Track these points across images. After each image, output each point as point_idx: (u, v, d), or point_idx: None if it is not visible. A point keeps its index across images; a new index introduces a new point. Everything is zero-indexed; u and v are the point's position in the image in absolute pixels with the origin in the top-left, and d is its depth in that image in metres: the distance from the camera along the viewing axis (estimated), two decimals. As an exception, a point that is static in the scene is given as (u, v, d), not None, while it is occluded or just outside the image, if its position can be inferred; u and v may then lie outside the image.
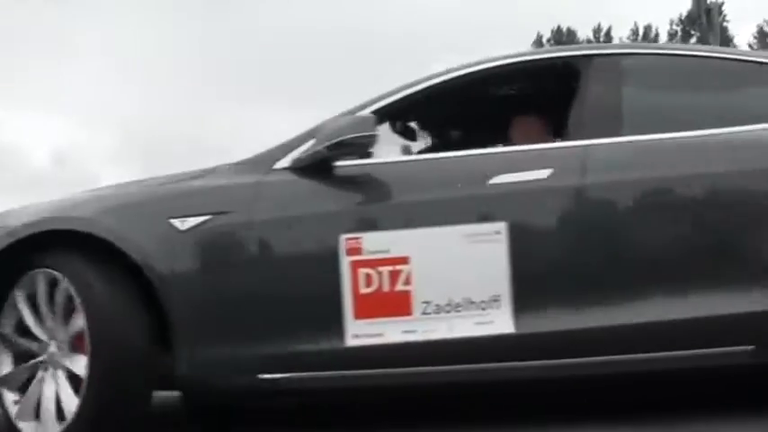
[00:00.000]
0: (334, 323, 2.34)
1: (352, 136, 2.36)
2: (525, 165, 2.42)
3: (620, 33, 40.00)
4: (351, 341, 2.34)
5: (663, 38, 38.02)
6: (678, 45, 3.33)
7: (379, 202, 2.47)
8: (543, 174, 2.38)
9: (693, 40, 36.55)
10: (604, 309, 2.30)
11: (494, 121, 3.03)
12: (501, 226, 2.33)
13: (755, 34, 36.99)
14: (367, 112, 2.55)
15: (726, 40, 30.89)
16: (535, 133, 2.79)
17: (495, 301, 2.31)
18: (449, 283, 2.33)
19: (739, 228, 2.37)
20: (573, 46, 2.90)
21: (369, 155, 2.59)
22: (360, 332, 2.34)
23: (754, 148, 2.43)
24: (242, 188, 2.49)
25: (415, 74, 2.67)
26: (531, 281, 2.32)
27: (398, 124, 3.14)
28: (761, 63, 2.73)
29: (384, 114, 2.63)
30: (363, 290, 2.34)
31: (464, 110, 3.12)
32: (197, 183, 2.57)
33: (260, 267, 2.42)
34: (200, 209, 2.44)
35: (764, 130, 2.47)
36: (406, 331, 2.33)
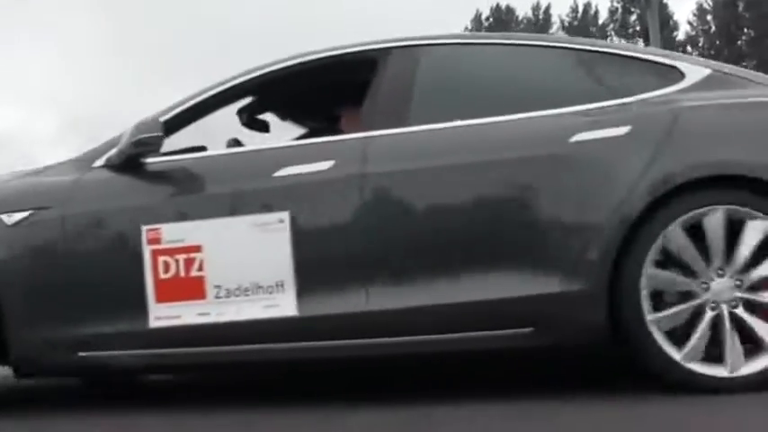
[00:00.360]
0: (139, 307, 2.54)
1: (141, 137, 2.53)
2: (309, 157, 2.54)
3: (559, 11, 38.68)
4: (153, 323, 2.54)
5: (603, 15, 36.55)
6: (475, 33, 3.28)
7: (177, 195, 2.63)
8: (325, 165, 2.50)
9: (633, 17, 35.07)
10: (387, 292, 2.42)
11: (319, 113, 3.14)
12: (284, 215, 2.47)
13: (695, 11, 35.32)
14: (178, 110, 2.73)
15: (665, 18, 29.36)
16: (357, 125, 2.86)
17: (280, 285, 2.46)
18: (238, 269, 2.49)
19: (516, 213, 2.42)
20: (378, 39, 2.84)
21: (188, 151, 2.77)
22: (161, 314, 2.53)
23: (526, 136, 2.49)
24: (61, 185, 2.70)
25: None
26: (313, 266, 2.46)
27: (244, 116, 3.26)
28: (549, 47, 2.79)
29: (196, 112, 2.79)
30: (163, 276, 2.53)
31: (288, 102, 3.23)
32: (27, 180, 2.79)
33: (74, 257, 2.62)
34: (24, 204, 2.66)
35: (541, 117, 2.53)
36: (201, 314, 2.51)
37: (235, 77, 2.79)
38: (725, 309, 2.28)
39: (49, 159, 2.69)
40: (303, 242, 2.46)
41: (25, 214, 2.65)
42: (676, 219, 2.30)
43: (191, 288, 2.52)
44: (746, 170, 2.32)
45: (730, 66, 2.85)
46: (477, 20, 37.84)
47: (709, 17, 34.55)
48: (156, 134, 2.54)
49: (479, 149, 2.49)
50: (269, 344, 2.49)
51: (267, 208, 2.49)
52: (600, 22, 36.58)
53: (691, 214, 2.30)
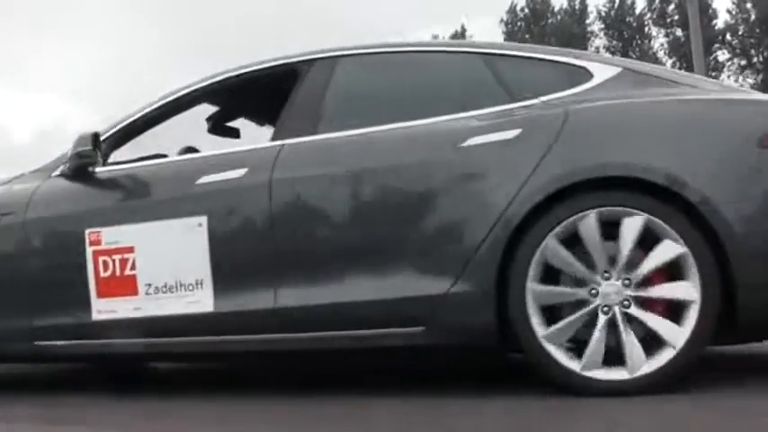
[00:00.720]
0: (84, 301, 2.89)
1: (78, 150, 2.89)
2: (227, 166, 2.84)
3: (596, 0, 37.92)
4: (96, 316, 2.89)
5: (640, 4, 35.88)
6: (386, 42, 3.30)
7: (116, 201, 2.97)
8: (240, 173, 2.79)
9: (671, 6, 34.15)
10: (293, 291, 2.68)
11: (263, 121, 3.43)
12: (202, 219, 2.78)
13: (734, 0, 33.95)
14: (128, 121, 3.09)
15: (704, 6, 28.57)
16: None
17: (200, 283, 2.77)
18: (165, 269, 2.81)
19: (410, 217, 2.60)
20: (302, 52, 3.08)
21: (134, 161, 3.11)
22: (102, 308, 2.88)
23: (423, 141, 2.67)
24: (23, 193, 3.07)
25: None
26: (227, 266, 2.76)
27: (210, 123, 3.58)
28: (456, 52, 2.96)
29: (140, 126, 3.13)
30: (102, 274, 2.88)
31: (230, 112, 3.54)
32: (7, 186, 3.17)
33: (31, 258, 3.00)
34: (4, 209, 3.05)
35: (439, 122, 2.68)
36: (135, 308, 2.84)
37: (171, 93, 3.11)
38: (617, 310, 2.34)
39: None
40: (219, 244, 2.75)
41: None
42: (550, 232, 2.38)
43: (125, 285, 2.86)
44: (621, 171, 2.37)
45: (647, 64, 2.87)
46: (512, 11, 37.77)
47: (749, 5, 33.83)
48: (88, 148, 2.89)
49: (378, 156, 2.68)
50: (191, 337, 2.82)
51: (189, 213, 2.79)
52: (637, 11, 36.06)
53: (564, 224, 2.37)
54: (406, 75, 2.98)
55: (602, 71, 2.70)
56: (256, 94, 3.26)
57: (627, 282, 2.37)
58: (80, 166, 2.98)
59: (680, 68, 34.11)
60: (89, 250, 2.89)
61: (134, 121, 3.13)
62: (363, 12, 48.16)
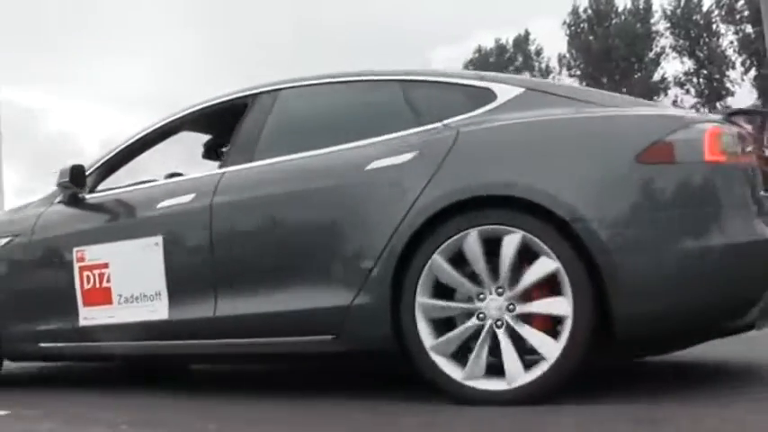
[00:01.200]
0: (74, 310, 3.34)
1: (59, 181, 3.35)
2: (181, 191, 3.18)
3: (662, 0, 34.44)
4: (82, 322, 3.33)
5: (707, 1, 32.12)
6: (319, 75, 3.39)
7: (97, 223, 3.40)
8: (188, 198, 3.13)
9: (741, 2, 30.26)
10: (228, 302, 2.98)
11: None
12: (159, 239, 3.14)
13: None
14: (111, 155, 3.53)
15: None
16: None
17: (158, 294, 3.13)
18: (132, 282, 3.20)
19: (322, 235, 2.81)
20: (254, 85, 3.34)
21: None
22: (87, 316, 3.32)
23: (335, 166, 2.87)
24: (30, 217, 3.60)
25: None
26: (178, 280, 3.10)
27: (203, 150, 3.97)
28: (370, 81, 3.11)
29: (121, 159, 3.57)
30: (86, 286, 3.32)
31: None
32: (14, 213, 3.72)
33: (33, 273, 3.51)
34: (6, 233, 3.61)
35: (351, 148, 2.87)
36: (110, 316, 3.26)
37: (146, 127, 3.53)
38: (500, 324, 2.45)
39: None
40: (172, 260, 3.10)
41: (6, 240, 3.59)
42: (436, 250, 2.50)
43: (103, 296, 3.27)
44: (501, 190, 2.47)
45: (552, 83, 2.90)
46: (574, 12, 36.87)
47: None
48: (66, 180, 3.37)
49: (297, 181, 2.93)
50: (152, 341, 3.19)
51: (149, 233, 3.17)
52: (704, 9, 33.33)
53: (449, 242, 2.49)
54: (333, 104, 3.20)
55: (505, 92, 2.78)
56: (219, 125, 3.59)
57: (508, 297, 2.45)
58: (72, 194, 3.45)
59: (750, 66, 31.09)
60: (76, 266, 3.34)
61: (116, 153, 3.57)
62: (427, 17, 48.43)
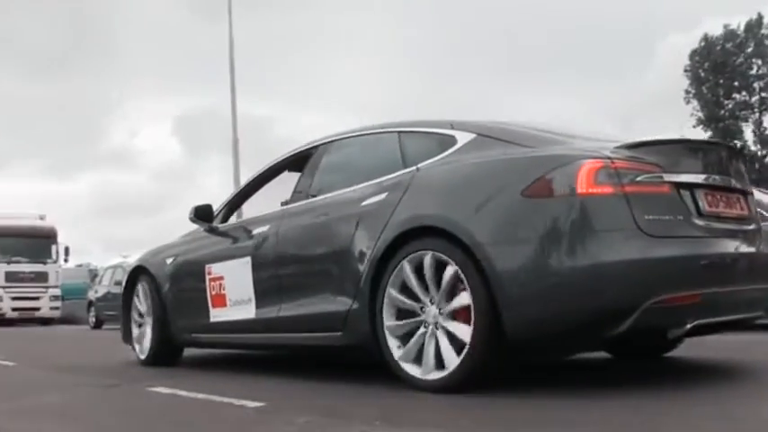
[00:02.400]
0: (207, 310, 4.61)
1: (189, 217, 4.63)
2: (265, 222, 4.26)
3: None
4: (213, 319, 4.58)
5: None
6: (354, 129, 3.76)
7: (219, 247, 4.62)
8: (267, 227, 4.20)
9: None
10: (284, 305, 3.98)
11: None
12: (248, 259, 4.25)
13: None
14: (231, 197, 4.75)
15: None
16: None
17: (250, 300, 4.25)
18: (237, 290, 4.36)
19: (331, 256, 3.68)
20: (314, 139, 4.28)
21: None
22: (216, 314, 4.56)
23: (343, 202, 3.73)
24: (188, 242, 4.96)
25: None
26: (261, 289, 4.17)
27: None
28: (374, 133, 3.93)
29: (241, 198, 4.76)
30: (213, 293, 4.56)
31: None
32: (183, 237, 5.12)
33: (186, 283, 4.84)
34: (172, 254, 5.02)
35: (356, 189, 3.71)
36: (226, 315, 4.45)
37: (258, 171, 4.70)
38: (431, 327, 3.13)
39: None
40: (256, 275, 4.19)
41: (172, 258, 4.99)
42: (403, 259, 3.24)
43: (221, 300, 4.49)
44: (435, 222, 3.12)
45: (502, 129, 3.36)
46: (757, 23, 32.23)
47: None
48: (192, 216, 4.65)
49: (320, 215, 3.85)
50: (246, 333, 4.31)
51: (243, 254, 4.31)
52: None
53: (412, 256, 3.20)
54: (352, 153, 4.11)
55: (462, 137, 3.42)
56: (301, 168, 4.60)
57: (441, 310, 3.12)
58: (209, 226, 4.75)
59: None
60: (207, 278, 4.61)
61: (238, 192, 4.78)
62: (656, 6, 43.87)
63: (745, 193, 3.38)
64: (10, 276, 21.64)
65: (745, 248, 3.20)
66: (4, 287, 21.56)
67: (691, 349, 4.18)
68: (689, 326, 2.87)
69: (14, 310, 21.59)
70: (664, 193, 2.92)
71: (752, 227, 3.33)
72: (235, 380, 4.18)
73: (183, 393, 3.51)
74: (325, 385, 3.62)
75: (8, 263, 21.70)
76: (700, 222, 2.98)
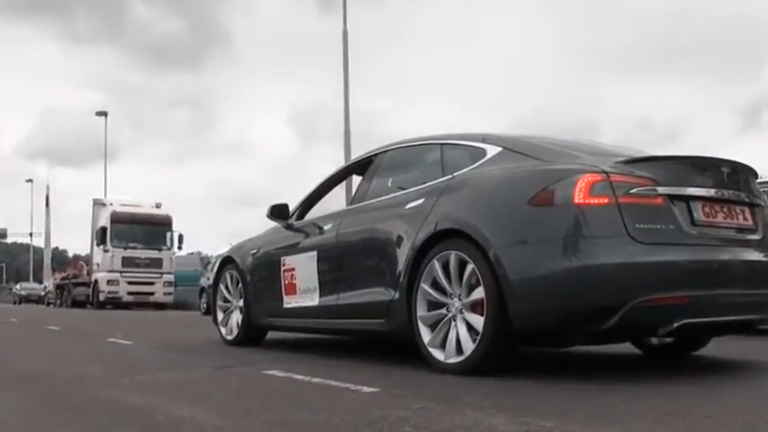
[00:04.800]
0: (280, 297, 5.27)
1: (267, 214, 5.29)
2: (328, 221, 4.86)
3: None
4: (285, 305, 5.23)
5: None
6: (401, 141, 4.02)
7: (292, 241, 5.25)
8: (330, 224, 4.80)
9: None
10: (338, 296, 4.58)
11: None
12: (314, 253, 4.86)
13: None
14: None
15: None
16: None
17: (315, 289, 4.86)
18: (305, 280, 4.98)
19: (379, 252, 4.21)
20: (376, 148, 4.78)
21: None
22: (288, 301, 5.21)
23: (390, 205, 4.28)
24: (268, 235, 5.64)
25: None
26: (324, 280, 4.77)
27: None
28: (421, 145, 4.45)
29: (314, 198, 5.38)
30: (285, 282, 5.22)
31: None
32: (265, 232, 5.79)
33: (265, 272, 5.51)
34: (255, 246, 5.72)
35: (401, 194, 4.25)
36: (296, 302, 5.09)
37: (329, 174, 5.31)
38: (454, 317, 3.61)
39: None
40: (321, 267, 4.80)
41: (255, 251, 5.69)
42: (434, 258, 3.74)
43: (293, 289, 5.13)
44: (458, 225, 3.61)
45: (526, 143, 3.79)
46: None
47: None
48: (268, 214, 5.29)
49: (370, 218, 4.42)
50: (311, 318, 4.93)
51: (311, 249, 4.93)
52: None
53: (441, 255, 3.69)
54: (401, 162, 4.64)
55: (491, 150, 3.90)
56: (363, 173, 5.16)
57: (462, 302, 3.59)
58: (286, 223, 5.40)
59: None
60: (281, 269, 5.27)
61: (310, 194, 5.41)
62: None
63: (753, 206, 3.65)
64: (127, 262, 22.99)
65: (744, 256, 3.50)
66: (120, 272, 22.94)
67: (717, 348, 4.44)
68: (676, 324, 3.21)
69: (130, 294, 22.91)
70: (656, 204, 3.28)
71: (755, 236, 3.61)
72: (345, 365, 4.34)
73: (299, 377, 3.69)
74: (433, 374, 3.64)
75: (125, 248, 23.04)
76: (691, 231, 3.33)
